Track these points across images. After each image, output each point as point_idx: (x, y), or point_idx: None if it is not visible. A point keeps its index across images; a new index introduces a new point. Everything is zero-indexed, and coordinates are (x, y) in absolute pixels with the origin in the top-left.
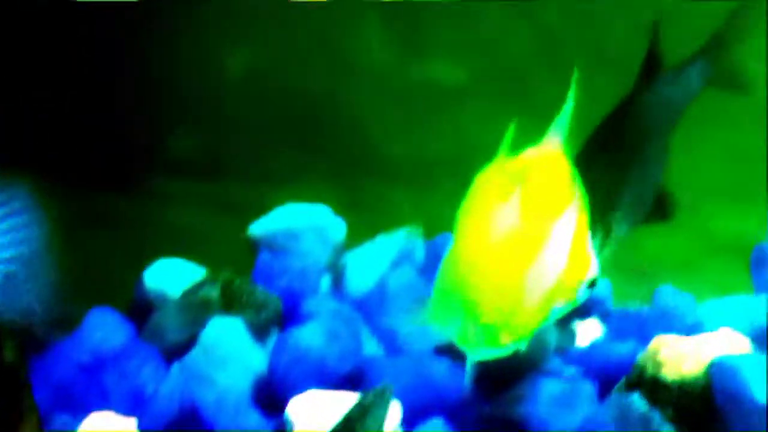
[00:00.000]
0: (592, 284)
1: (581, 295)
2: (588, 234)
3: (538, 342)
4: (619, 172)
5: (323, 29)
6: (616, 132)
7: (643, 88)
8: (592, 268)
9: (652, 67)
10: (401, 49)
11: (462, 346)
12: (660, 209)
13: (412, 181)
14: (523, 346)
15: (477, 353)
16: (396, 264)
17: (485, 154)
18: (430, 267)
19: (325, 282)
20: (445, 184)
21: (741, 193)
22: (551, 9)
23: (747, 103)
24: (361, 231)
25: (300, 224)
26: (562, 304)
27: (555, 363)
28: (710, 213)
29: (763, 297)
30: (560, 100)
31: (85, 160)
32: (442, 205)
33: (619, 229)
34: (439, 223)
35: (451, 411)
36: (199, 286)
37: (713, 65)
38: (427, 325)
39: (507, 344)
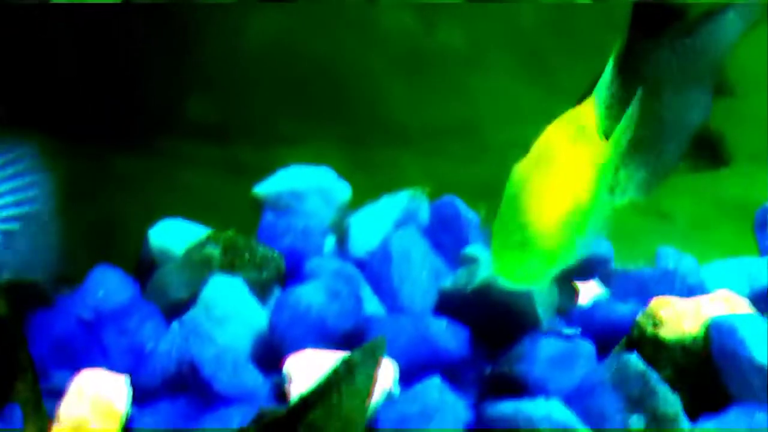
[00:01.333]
0: None
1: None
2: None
3: (539, 299)
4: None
5: None
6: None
7: (665, 34)
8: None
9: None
10: (415, 16)
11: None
12: (714, 155)
13: (420, 145)
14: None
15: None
16: (399, 225)
17: (493, 122)
18: (434, 228)
19: (329, 242)
20: (452, 149)
21: (749, 156)
22: None
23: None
24: (369, 193)
25: (304, 185)
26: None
27: (555, 322)
28: (719, 175)
29: (765, 259)
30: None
31: (98, 120)
32: (449, 169)
33: (643, 171)
34: (445, 186)
35: (449, 369)
36: (202, 244)
37: (748, 14)
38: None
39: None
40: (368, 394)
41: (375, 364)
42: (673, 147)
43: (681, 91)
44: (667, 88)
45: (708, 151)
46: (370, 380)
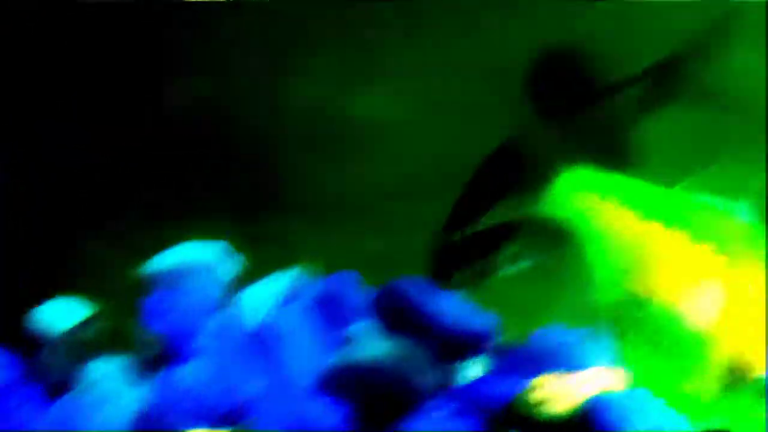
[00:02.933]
0: None
1: None
2: None
3: (418, 377)
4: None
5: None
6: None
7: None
8: None
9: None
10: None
11: None
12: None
13: (318, 219)
14: None
15: None
16: (288, 301)
17: (394, 195)
18: (323, 304)
19: (217, 320)
20: (350, 224)
21: None
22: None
23: None
24: (262, 268)
25: (192, 261)
26: None
27: (435, 399)
28: None
29: None
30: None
31: None
32: (344, 243)
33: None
34: (340, 260)
35: None
36: (85, 324)
37: (657, 88)
38: None
39: None
40: None
41: None
42: None
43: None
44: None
45: None
46: None
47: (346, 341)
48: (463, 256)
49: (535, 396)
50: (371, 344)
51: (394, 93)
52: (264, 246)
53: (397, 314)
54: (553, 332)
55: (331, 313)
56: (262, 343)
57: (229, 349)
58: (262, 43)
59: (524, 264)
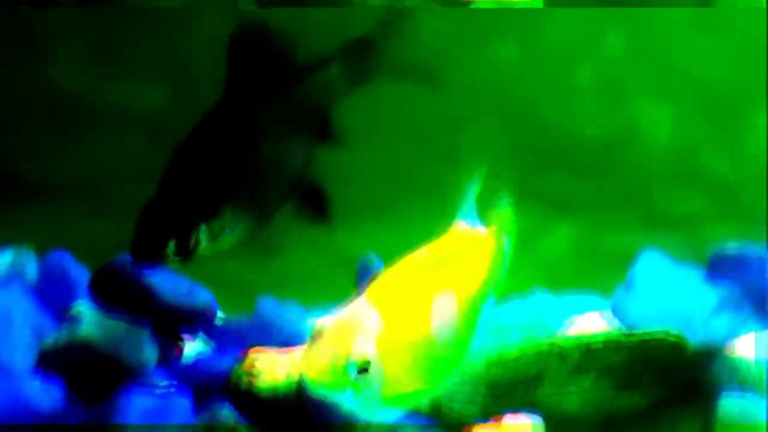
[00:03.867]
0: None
1: None
2: None
3: (135, 354)
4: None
5: None
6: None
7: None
8: None
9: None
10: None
11: None
12: (316, 207)
13: (45, 203)
14: None
15: None
16: (3, 283)
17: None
18: (42, 285)
19: None
20: (74, 205)
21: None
22: None
23: None
24: None
25: None
26: None
27: (153, 377)
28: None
29: None
30: None
31: None
32: (69, 225)
33: (237, 221)
34: (63, 241)
35: (43, 427)
36: None
37: (353, 67)
38: None
39: None
40: None
41: None
42: (273, 195)
43: (282, 140)
44: (269, 137)
45: (311, 203)
46: None
47: (64, 321)
48: (167, 232)
49: (252, 369)
50: (88, 323)
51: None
52: None
53: (115, 293)
54: (272, 306)
55: (48, 293)
56: None
57: None
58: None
59: (229, 239)
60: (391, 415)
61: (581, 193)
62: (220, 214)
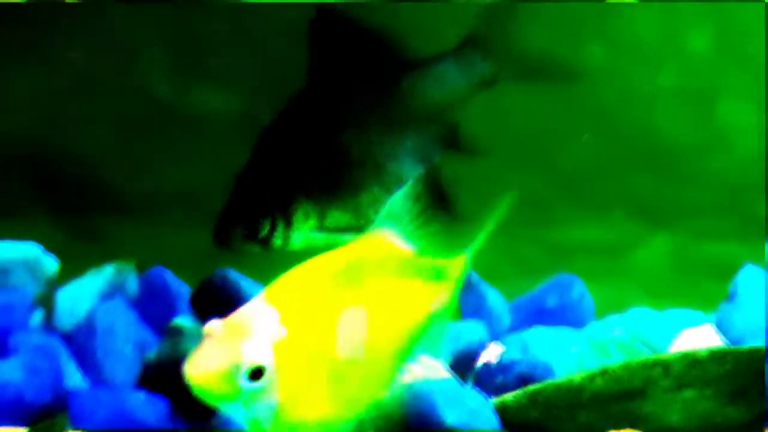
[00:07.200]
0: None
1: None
2: None
3: None
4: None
5: None
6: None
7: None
8: None
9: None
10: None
11: None
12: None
13: (144, 216)
14: None
15: None
16: (106, 297)
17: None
18: (142, 300)
19: (37, 317)
20: (173, 217)
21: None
22: None
23: None
24: (86, 265)
25: (9, 259)
26: None
27: None
28: None
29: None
30: None
31: None
32: (168, 238)
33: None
34: (164, 255)
35: None
36: None
37: (468, 64)
38: None
39: None
40: None
41: None
42: (378, 190)
43: (387, 134)
44: (372, 131)
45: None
46: None
47: (166, 335)
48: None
49: None
50: (191, 338)
51: None
52: (82, 244)
53: (216, 307)
54: None
55: (149, 308)
56: (82, 339)
57: (46, 347)
58: None
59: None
60: None
61: (673, 201)
62: (295, 204)
